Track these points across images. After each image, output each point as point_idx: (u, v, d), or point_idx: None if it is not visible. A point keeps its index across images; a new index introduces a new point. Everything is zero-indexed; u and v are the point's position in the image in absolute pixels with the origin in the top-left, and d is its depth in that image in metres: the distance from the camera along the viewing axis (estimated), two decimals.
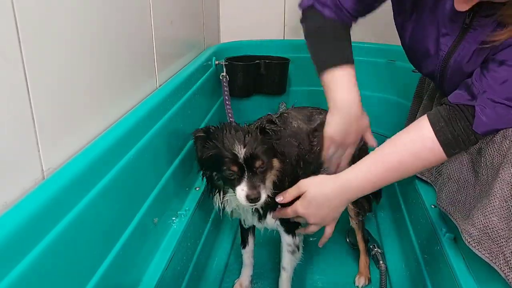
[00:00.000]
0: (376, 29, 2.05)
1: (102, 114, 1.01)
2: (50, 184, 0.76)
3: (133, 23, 1.17)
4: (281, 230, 1.27)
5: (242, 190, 1.02)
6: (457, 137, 1.01)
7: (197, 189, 1.46)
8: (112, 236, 0.93)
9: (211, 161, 1.07)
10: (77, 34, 0.89)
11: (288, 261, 1.30)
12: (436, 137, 1.01)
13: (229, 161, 1.02)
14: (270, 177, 1.12)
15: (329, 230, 1.19)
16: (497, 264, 0.92)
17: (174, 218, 1.27)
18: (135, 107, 1.16)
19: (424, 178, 1.40)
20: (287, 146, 1.20)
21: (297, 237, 1.27)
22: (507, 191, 0.93)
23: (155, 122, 1.18)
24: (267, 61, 1.97)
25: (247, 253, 1.41)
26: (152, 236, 1.13)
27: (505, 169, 0.95)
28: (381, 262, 1.47)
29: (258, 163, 1.03)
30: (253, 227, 1.39)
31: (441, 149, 1.01)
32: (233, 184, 1.05)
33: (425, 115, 1.05)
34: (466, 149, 1.06)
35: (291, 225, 1.25)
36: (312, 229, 1.17)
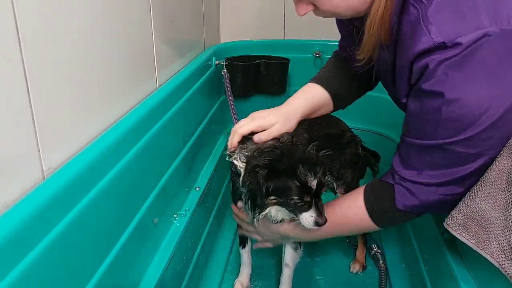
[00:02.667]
0: None
1: (102, 114, 1.01)
2: (50, 184, 0.76)
3: (133, 23, 1.17)
4: None
5: (311, 216, 1.07)
6: (383, 212, 1.08)
7: (197, 189, 1.46)
8: (112, 236, 0.93)
9: (277, 191, 1.06)
10: (77, 34, 0.89)
11: (291, 258, 1.32)
12: (366, 208, 1.09)
13: (302, 191, 1.04)
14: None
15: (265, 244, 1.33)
16: (487, 252, 0.91)
17: (174, 218, 1.28)
18: (135, 107, 1.16)
19: None
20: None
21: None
22: (505, 180, 0.91)
23: (155, 122, 1.18)
24: (267, 61, 1.97)
25: (246, 253, 1.42)
26: (152, 236, 1.13)
27: (503, 157, 0.92)
28: (381, 262, 1.47)
29: (323, 190, 1.08)
30: None
31: (370, 220, 1.09)
32: (300, 211, 1.07)
33: (364, 185, 1.13)
34: (399, 222, 1.12)
35: None
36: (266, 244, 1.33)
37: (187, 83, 1.49)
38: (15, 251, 0.64)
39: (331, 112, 1.30)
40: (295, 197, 1.04)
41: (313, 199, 1.06)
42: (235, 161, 1.10)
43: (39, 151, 0.77)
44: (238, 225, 1.38)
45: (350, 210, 1.12)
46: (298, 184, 1.03)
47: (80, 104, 0.91)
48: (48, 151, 0.79)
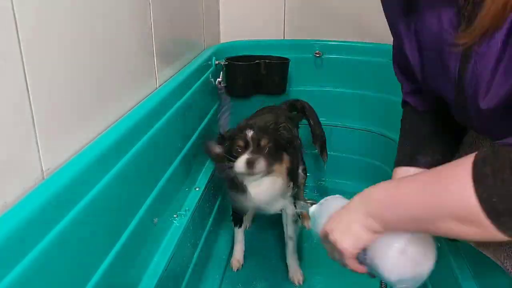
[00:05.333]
0: (376, 29, 2.05)
1: (102, 114, 1.01)
2: (50, 184, 0.76)
3: (133, 23, 1.17)
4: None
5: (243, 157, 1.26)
6: (508, 191, 0.60)
7: (197, 189, 1.46)
8: (112, 236, 0.93)
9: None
10: (77, 34, 0.89)
11: (293, 230, 1.48)
12: (475, 189, 0.61)
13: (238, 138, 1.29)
14: (283, 167, 1.33)
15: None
16: (489, 251, 0.88)
17: (174, 218, 1.28)
18: (135, 107, 1.16)
19: None
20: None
21: (296, 207, 1.45)
22: None
23: (155, 122, 1.18)
24: (267, 61, 1.97)
25: (241, 232, 1.58)
26: (152, 236, 1.13)
27: None
28: None
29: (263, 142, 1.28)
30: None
31: (479, 208, 0.61)
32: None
33: (471, 155, 0.66)
34: None
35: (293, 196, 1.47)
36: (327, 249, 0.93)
37: (187, 83, 1.48)
38: (15, 251, 0.64)
39: None
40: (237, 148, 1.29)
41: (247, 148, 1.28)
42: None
43: (39, 151, 0.77)
44: (232, 207, 1.55)
45: (448, 183, 0.65)
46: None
47: (80, 104, 0.91)
48: (48, 151, 0.79)
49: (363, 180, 2.14)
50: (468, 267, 1.06)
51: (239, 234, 1.58)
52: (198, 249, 1.40)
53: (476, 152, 0.65)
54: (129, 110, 1.13)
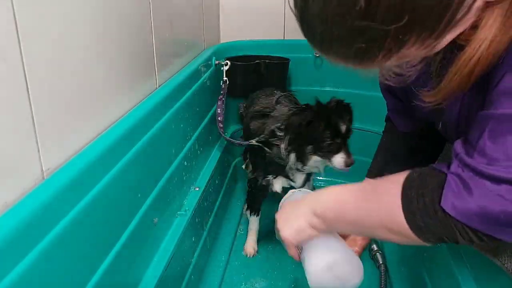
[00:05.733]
0: None
1: (102, 114, 1.01)
2: (50, 184, 0.76)
3: (133, 23, 1.17)
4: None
5: (341, 158, 1.32)
6: (421, 209, 0.69)
7: (197, 189, 1.46)
8: (112, 236, 0.93)
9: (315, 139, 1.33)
10: (77, 34, 0.89)
11: None
12: (401, 198, 0.72)
13: (333, 134, 1.31)
14: None
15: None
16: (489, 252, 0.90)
17: (174, 218, 1.28)
18: (135, 107, 1.16)
19: None
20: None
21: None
22: None
23: (155, 122, 1.18)
24: (267, 61, 1.97)
25: (257, 221, 1.66)
26: (152, 236, 1.13)
27: None
28: (381, 262, 1.47)
29: (350, 134, 1.34)
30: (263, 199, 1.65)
31: (401, 216, 0.71)
32: (332, 155, 1.33)
33: (409, 171, 0.76)
34: (435, 234, 0.70)
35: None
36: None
37: (187, 83, 1.49)
38: (15, 251, 0.64)
39: None
40: (328, 140, 1.31)
41: (342, 142, 1.32)
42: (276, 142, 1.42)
43: (39, 151, 0.77)
44: (254, 196, 1.63)
45: (382, 198, 0.76)
46: (331, 129, 1.30)
47: (80, 104, 0.91)
48: (48, 151, 0.79)
49: (362, 179, 2.14)
50: (468, 269, 1.06)
51: (255, 223, 1.65)
52: (198, 249, 1.41)
53: (408, 172, 0.74)
54: (129, 110, 1.13)
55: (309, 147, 1.35)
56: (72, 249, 0.77)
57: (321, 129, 1.31)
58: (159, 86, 1.35)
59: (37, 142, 0.76)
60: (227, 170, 1.93)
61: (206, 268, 1.50)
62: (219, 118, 1.75)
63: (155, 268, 1.08)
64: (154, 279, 1.05)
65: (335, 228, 0.92)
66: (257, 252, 1.63)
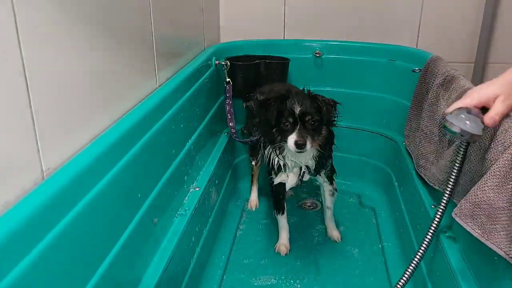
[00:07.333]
0: (376, 29, 2.05)
1: (102, 114, 1.01)
2: (50, 184, 0.76)
3: (133, 23, 1.17)
4: (322, 181, 1.64)
5: (292, 138, 1.32)
6: None
7: (197, 189, 1.46)
8: (112, 236, 0.93)
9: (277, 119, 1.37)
10: (77, 34, 0.89)
11: (330, 201, 1.70)
12: None
13: (289, 116, 1.34)
14: (317, 141, 1.39)
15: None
16: (493, 242, 0.90)
17: (174, 218, 1.28)
18: (135, 106, 1.16)
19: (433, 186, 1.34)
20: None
21: (334, 183, 1.66)
22: None
23: (155, 122, 1.18)
24: (267, 61, 1.97)
25: (284, 218, 1.66)
26: (152, 236, 1.13)
27: None
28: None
29: (308, 118, 1.33)
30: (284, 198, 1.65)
31: None
32: (288, 133, 1.34)
33: None
34: None
35: (329, 176, 1.63)
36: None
37: (187, 83, 1.49)
38: (15, 251, 0.64)
39: None
40: (284, 120, 1.34)
41: (297, 123, 1.33)
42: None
43: (38, 151, 0.77)
44: (277, 195, 1.61)
45: None
46: (287, 110, 1.34)
47: (80, 104, 0.91)
48: (48, 151, 0.79)
49: (361, 179, 2.15)
50: (467, 266, 1.06)
51: (283, 220, 1.66)
52: (198, 249, 1.40)
53: None
54: (129, 110, 1.13)
55: (274, 130, 1.39)
56: (72, 249, 0.77)
57: (275, 109, 1.35)
58: (159, 86, 1.35)
59: (37, 142, 0.76)
60: (227, 170, 1.93)
61: (206, 267, 1.50)
62: (230, 124, 1.78)
63: (155, 268, 1.08)
64: (154, 279, 1.05)
65: None
66: (289, 250, 1.63)
